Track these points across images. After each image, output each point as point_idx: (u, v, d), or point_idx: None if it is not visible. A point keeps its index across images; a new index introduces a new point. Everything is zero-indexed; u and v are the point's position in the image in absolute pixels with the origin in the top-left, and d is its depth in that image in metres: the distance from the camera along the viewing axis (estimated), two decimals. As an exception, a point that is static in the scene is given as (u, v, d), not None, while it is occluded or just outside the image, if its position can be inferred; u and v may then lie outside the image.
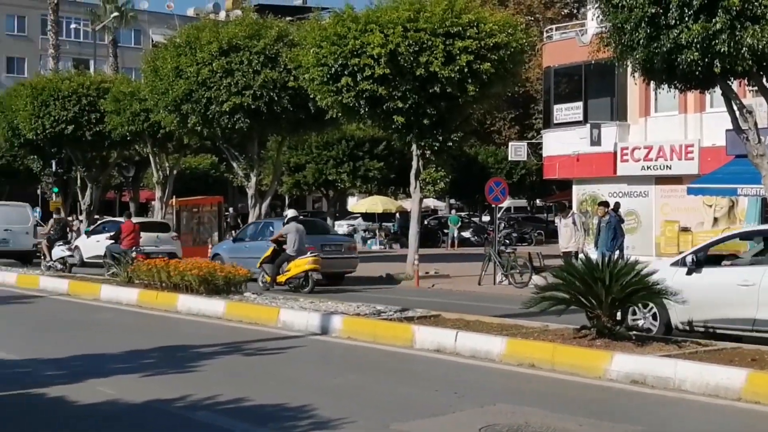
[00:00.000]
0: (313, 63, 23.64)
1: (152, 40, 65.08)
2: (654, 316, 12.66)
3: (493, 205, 26.13)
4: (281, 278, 20.93)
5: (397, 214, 47.87)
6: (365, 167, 45.77)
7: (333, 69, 23.15)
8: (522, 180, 52.53)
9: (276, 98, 27.04)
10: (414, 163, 25.36)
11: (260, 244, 22.69)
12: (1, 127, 40.12)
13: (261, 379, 10.13)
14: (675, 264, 12.84)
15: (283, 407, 8.52)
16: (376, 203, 47.34)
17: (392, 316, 14.04)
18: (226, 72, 27.06)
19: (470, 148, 51.75)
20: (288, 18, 33.72)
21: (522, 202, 60.10)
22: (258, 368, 10.97)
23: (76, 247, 28.73)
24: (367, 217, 50.87)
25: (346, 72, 23.03)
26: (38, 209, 46.65)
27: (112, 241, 24.41)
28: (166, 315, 16.20)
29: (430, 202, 60.38)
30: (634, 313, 12.63)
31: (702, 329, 12.14)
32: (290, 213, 22.78)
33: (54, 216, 29.75)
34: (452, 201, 58.61)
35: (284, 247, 21.22)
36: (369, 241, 45.56)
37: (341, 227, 53.04)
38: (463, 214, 53.82)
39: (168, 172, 36.57)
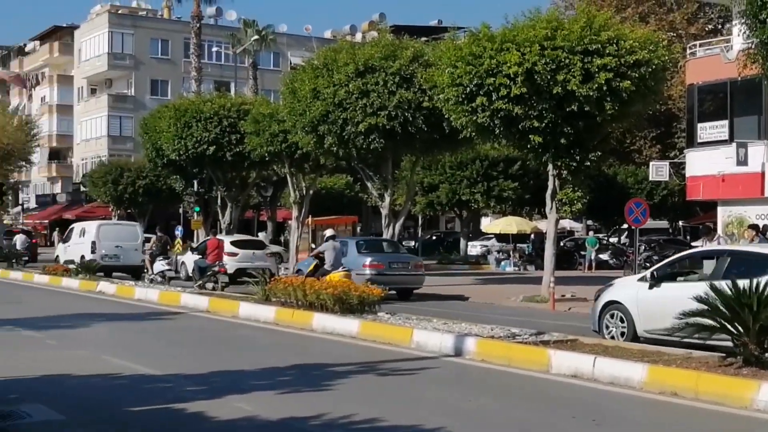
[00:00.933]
0: (448, 83, 23.72)
1: (291, 63, 66.71)
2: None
3: (633, 227, 25.55)
4: None
5: (532, 235, 47.37)
6: (500, 187, 45.52)
7: (468, 89, 23.17)
8: (663, 201, 51.22)
9: (410, 118, 27.28)
10: (550, 184, 25.07)
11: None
12: (145, 147, 41.90)
13: (395, 400, 10.18)
14: (641, 279, 15.00)
15: (418, 429, 8.53)
16: (511, 224, 46.99)
17: (527, 339, 13.89)
18: (361, 93, 27.46)
19: (609, 168, 50.81)
20: (423, 38, 34.03)
21: (663, 224, 58.52)
22: (392, 389, 11.04)
23: (183, 263, 30.57)
24: (501, 237, 50.54)
25: (481, 92, 23.01)
26: (180, 228, 48.39)
27: (200, 256, 27.01)
28: (301, 333, 16.48)
29: (567, 224, 59.48)
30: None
31: (662, 337, 13.40)
32: (328, 233, 24.18)
33: (157, 234, 31.94)
34: (589, 222, 57.61)
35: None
36: (503, 263, 45.23)
37: (474, 248, 52.89)
38: (601, 235, 52.83)
39: (304, 192, 37.30)
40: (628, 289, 15.21)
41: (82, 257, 33.07)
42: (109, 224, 37.60)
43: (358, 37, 71.33)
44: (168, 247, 30.26)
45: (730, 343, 11.37)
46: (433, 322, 16.05)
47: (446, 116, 24.91)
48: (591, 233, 52.41)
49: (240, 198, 41.86)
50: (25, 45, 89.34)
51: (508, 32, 23.22)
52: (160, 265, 28.07)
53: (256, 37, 60.63)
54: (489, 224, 54.76)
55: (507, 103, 22.69)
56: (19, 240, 43.98)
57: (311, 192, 38.22)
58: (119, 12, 74.53)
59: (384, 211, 30.39)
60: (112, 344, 15.10)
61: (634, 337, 14.62)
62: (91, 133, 72.92)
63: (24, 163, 67.67)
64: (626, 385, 10.91)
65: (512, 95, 22.51)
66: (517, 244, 47.86)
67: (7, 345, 14.69)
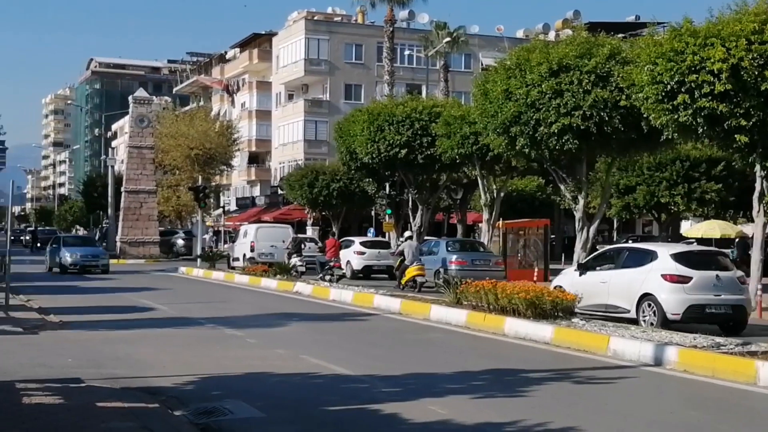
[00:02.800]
0: (647, 81, 22.99)
1: (482, 64, 66.67)
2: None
3: None
4: (402, 281, 28.11)
5: (737, 240, 45.22)
6: (702, 189, 43.70)
7: (669, 86, 22.37)
8: None
9: (606, 118, 26.61)
10: (757, 185, 23.85)
11: (428, 258, 30.27)
12: (339, 151, 42.92)
13: (592, 409, 9.97)
14: (575, 269, 20.08)
15: (616, 440, 8.32)
16: (714, 228, 45.01)
17: (733, 349, 13.27)
18: (555, 93, 27.04)
19: (822, 169, 47.80)
20: (620, 35, 33.14)
21: None
22: (588, 397, 10.81)
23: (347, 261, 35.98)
24: (702, 242, 48.53)
25: (683, 89, 22.17)
26: (372, 230, 49.32)
27: (321, 253, 33.43)
28: (493, 337, 16.45)
29: (775, 227, 56.32)
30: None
31: (586, 313, 18.17)
32: (407, 234, 31.22)
33: (292, 235, 37.91)
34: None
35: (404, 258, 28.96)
36: (705, 269, 43.38)
37: (674, 252, 50.97)
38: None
39: (495, 195, 37.16)
40: (567, 277, 20.15)
41: (244, 255, 39.21)
42: (266, 227, 43.35)
43: (552, 35, 70.42)
44: (302, 246, 34.78)
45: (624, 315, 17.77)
46: (630, 330, 15.62)
47: (645, 115, 24.15)
48: (802, 238, 49.49)
49: (430, 200, 42.17)
50: (225, 53, 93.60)
51: (713, 26, 22.26)
52: (294, 260, 32.55)
53: (447, 39, 60.97)
54: (690, 228, 52.72)
55: (711, 101, 21.75)
56: None
57: (502, 194, 37.98)
58: (315, 18, 76.76)
59: (578, 215, 29.81)
60: (309, 344, 15.57)
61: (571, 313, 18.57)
62: (288, 137, 75.49)
63: (225, 166, 71.09)
64: None
65: (716, 92, 21.57)
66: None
67: (212, 343, 15.45)
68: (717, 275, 17.57)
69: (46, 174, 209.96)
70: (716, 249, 23.97)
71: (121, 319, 19.08)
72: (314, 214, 59.30)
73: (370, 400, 10.15)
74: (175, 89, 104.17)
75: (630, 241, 60.19)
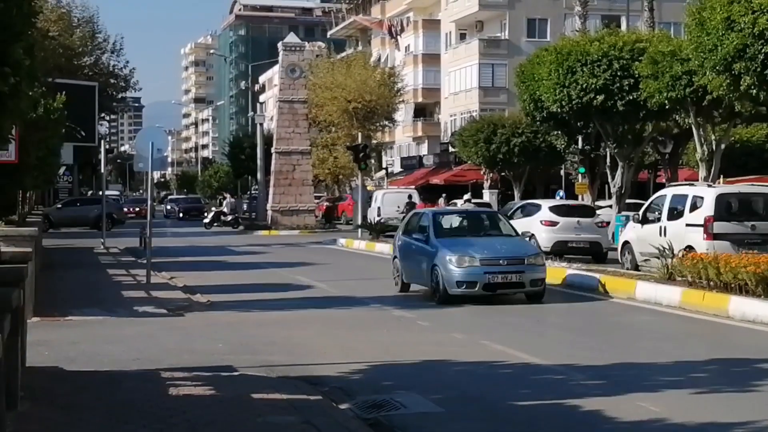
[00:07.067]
0: None
1: (694, -12, 64.52)
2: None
3: None
4: None
5: None
6: None
7: None
8: None
9: None
10: None
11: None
12: (521, 99, 42.45)
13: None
14: (517, 215, 30.83)
15: None
16: None
17: None
18: (790, 20, 25.97)
19: None
20: None
21: None
22: (839, 394, 10.38)
23: None
24: None
25: None
26: (561, 192, 48.80)
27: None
28: (714, 320, 16.05)
29: None
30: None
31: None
32: (466, 197, 40.50)
33: (407, 200, 44.09)
34: None
35: None
36: None
37: None
38: None
39: (714, 147, 36.04)
40: (517, 221, 27.99)
41: (372, 219, 45.61)
42: (392, 191, 51.88)
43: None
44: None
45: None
46: None
47: None
48: None
49: (633, 156, 41.19)
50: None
51: None
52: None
53: (651, -41, 59.37)
54: None
55: None
56: None
57: (723, 146, 36.73)
58: (490, -58, 76.15)
59: (819, 169, 28.65)
60: (489, 327, 15.58)
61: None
62: (459, 85, 75.31)
63: (388, 121, 71.66)
64: None
65: None
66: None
67: (379, 326, 15.70)
68: (578, 221, 29.12)
69: (187, 134, 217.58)
70: (583, 203, 37.32)
71: (276, 298, 19.64)
72: (492, 175, 59.09)
73: (567, 395, 10.10)
74: (329, 33, 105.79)
75: None
